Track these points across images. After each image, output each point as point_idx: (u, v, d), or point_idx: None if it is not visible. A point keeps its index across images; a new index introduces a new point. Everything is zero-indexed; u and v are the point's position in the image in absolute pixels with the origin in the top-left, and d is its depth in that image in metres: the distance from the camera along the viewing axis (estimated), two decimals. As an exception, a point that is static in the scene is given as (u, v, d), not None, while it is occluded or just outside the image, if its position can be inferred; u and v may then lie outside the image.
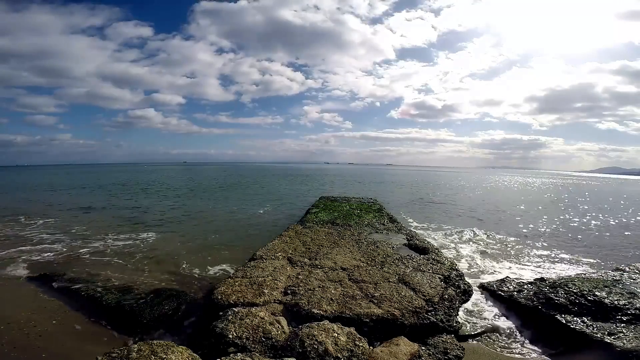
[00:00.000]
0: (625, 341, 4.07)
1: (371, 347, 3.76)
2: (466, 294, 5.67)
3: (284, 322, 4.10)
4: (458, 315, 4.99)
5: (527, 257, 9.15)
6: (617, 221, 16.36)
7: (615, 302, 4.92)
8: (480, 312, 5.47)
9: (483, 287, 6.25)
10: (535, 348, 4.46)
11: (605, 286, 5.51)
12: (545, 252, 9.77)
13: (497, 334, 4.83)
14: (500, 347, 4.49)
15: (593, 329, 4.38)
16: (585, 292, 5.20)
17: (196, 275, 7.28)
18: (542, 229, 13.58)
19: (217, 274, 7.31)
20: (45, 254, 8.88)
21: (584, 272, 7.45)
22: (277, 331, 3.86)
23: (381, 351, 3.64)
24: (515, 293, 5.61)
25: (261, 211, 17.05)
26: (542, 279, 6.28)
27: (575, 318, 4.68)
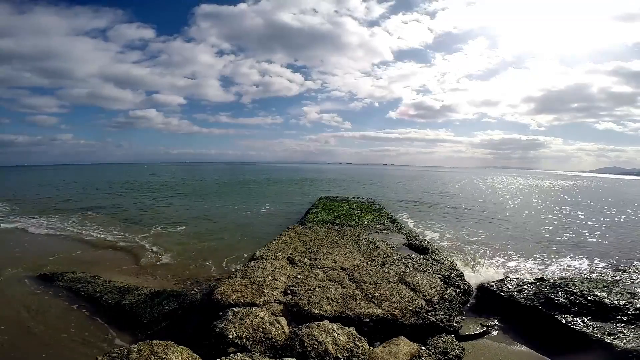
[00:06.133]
0: (625, 341, 4.07)
1: (371, 347, 3.76)
2: (466, 294, 5.67)
3: (284, 322, 4.10)
4: (458, 315, 4.99)
5: (527, 257, 9.15)
6: (617, 221, 16.36)
7: (615, 302, 4.92)
8: (480, 312, 5.47)
9: (483, 287, 6.25)
10: (535, 348, 4.45)
11: (605, 286, 5.50)
12: (546, 252, 9.77)
13: (497, 334, 4.83)
14: (500, 347, 4.49)
15: (593, 329, 4.38)
16: (585, 292, 5.20)
17: (196, 276, 7.29)
18: (543, 229, 13.58)
19: (217, 274, 7.32)
20: (46, 254, 8.88)
21: (584, 272, 7.46)
22: (277, 331, 3.86)
23: (381, 351, 3.64)
24: (515, 293, 5.61)
25: (261, 211, 17.06)
26: (542, 279, 6.28)
27: (575, 318, 4.68)
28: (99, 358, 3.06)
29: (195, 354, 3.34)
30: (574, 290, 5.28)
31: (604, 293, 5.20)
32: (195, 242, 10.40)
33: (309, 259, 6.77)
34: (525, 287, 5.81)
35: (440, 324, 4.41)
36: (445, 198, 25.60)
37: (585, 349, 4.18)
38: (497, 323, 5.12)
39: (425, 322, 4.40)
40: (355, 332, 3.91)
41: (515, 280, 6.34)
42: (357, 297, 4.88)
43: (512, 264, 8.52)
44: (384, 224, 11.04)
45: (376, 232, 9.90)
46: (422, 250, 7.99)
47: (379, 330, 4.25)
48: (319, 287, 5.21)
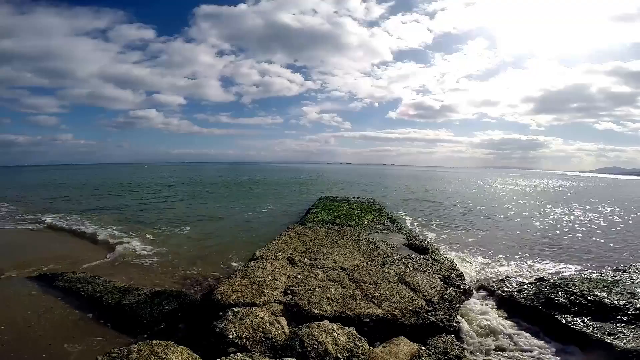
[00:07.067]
0: (625, 341, 4.07)
1: (371, 347, 3.76)
2: (466, 294, 5.67)
3: (284, 322, 4.10)
4: (458, 315, 4.99)
5: (528, 257, 9.14)
6: (617, 220, 16.35)
7: (615, 302, 4.92)
8: (480, 312, 5.46)
9: (483, 287, 6.25)
10: (535, 348, 4.45)
11: (605, 286, 5.51)
12: (546, 252, 9.76)
13: (497, 334, 4.82)
14: (500, 347, 4.49)
15: (593, 329, 4.39)
16: (585, 292, 5.20)
17: (196, 276, 7.29)
18: (543, 229, 13.57)
19: (217, 274, 7.31)
20: (46, 254, 8.88)
21: (584, 272, 7.45)
22: (277, 331, 3.87)
23: (381, 351, 3.64)
24: (516, 293, 5.61)
25: (261, 211, 17.06)
26: (542, 279, 6.29)
27: (575, 318, 4.68)
28: (99, 358, 3.06)
29: (195, 354, 3.34)
30: (574, 290, 5.29)
31: (604, 293, 5.21)
32: (196, 242, 10.40)
33: (309, 259, 6.77)
34: (525, 287, 5.82)
35: (440, 324, 4.41)
36: (445, 198, 25.58)
37: (585, 348, 4.18)
38: (497, 323, 5.10)
39: (425, 322, 4.40)
40: (355, 332, 3.91)
41: (515, 280, 6.34)
42: (357, 297, 4.89)
43: (512, 263, 8.51)
44: (384, 224, 11.05)
45: (376, 232, 9.90)
46: (422, 250, 7.99)
47: (379, 330, 4.25)
48: (319, 287, 5.21)
